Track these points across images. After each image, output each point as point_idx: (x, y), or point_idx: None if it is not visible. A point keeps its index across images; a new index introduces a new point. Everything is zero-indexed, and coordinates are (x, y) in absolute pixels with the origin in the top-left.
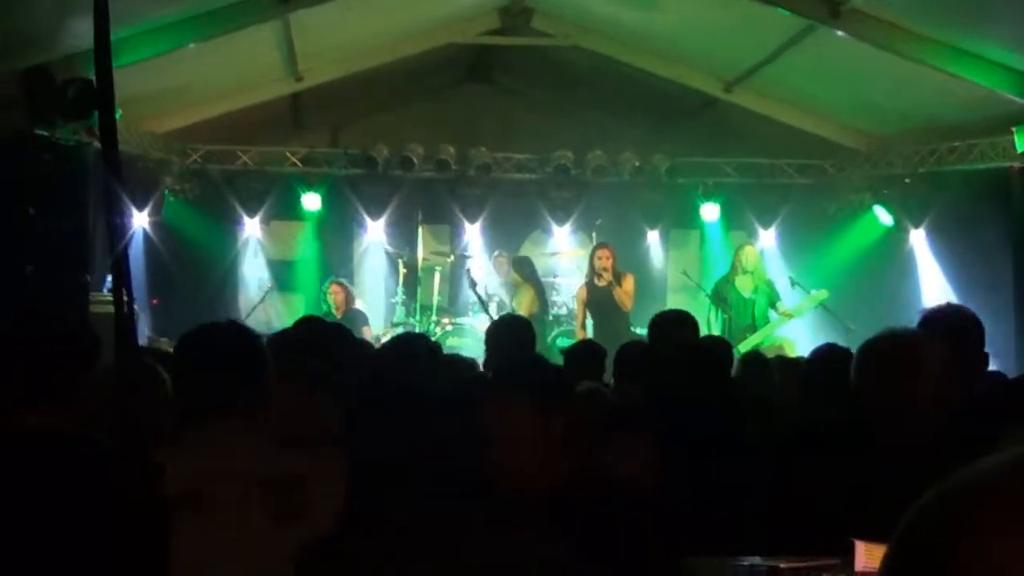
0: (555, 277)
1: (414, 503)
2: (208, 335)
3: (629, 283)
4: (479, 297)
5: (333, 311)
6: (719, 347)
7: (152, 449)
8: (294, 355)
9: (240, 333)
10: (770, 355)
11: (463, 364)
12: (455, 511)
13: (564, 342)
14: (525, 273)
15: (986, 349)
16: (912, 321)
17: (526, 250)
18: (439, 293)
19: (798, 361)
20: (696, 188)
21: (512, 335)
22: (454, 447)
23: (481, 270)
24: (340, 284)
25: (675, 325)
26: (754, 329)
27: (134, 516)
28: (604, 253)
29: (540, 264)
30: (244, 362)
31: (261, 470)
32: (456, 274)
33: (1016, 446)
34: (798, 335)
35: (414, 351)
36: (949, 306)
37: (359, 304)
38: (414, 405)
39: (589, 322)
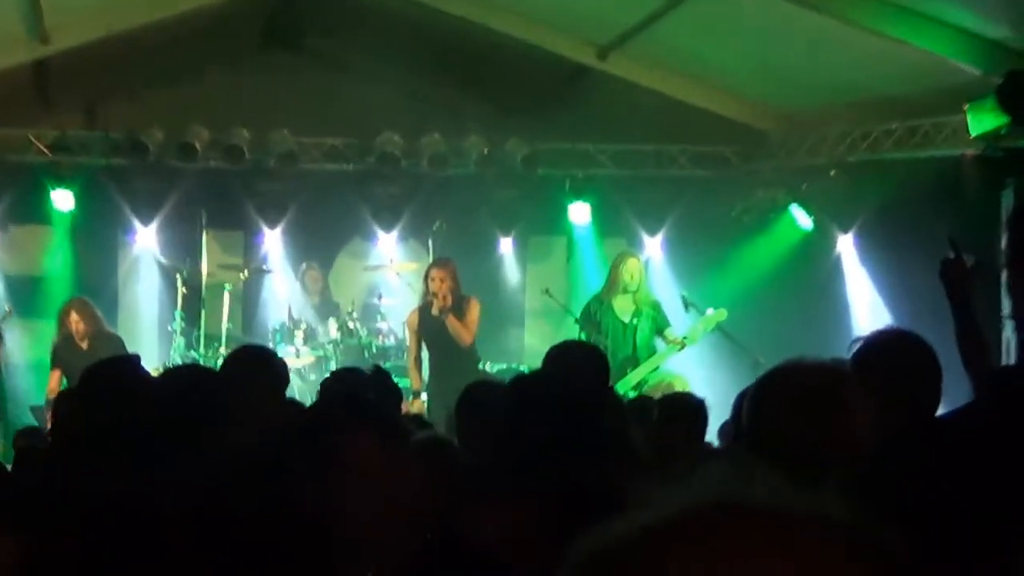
0: (379, 298)
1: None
2: None
3: (473, 311)
4: None
5: (77, 341)
6: (588, 381)
7: None
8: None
9: None
10: (657, 394)
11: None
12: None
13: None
14: None
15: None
16: (838, 351)
17: (343, 262)
18: (229, 319)
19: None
20: (562, 183)
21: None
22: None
23: (284, 288)
24: (80, 303)
25: (562, 362)
26: (636, 362)
27: None
28: (438, 274)
29: (361, 281)
30: None
31: None
32: (251, 293)
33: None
34: (692, 370)
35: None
36: (891, 333)
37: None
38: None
39: (426, 355)
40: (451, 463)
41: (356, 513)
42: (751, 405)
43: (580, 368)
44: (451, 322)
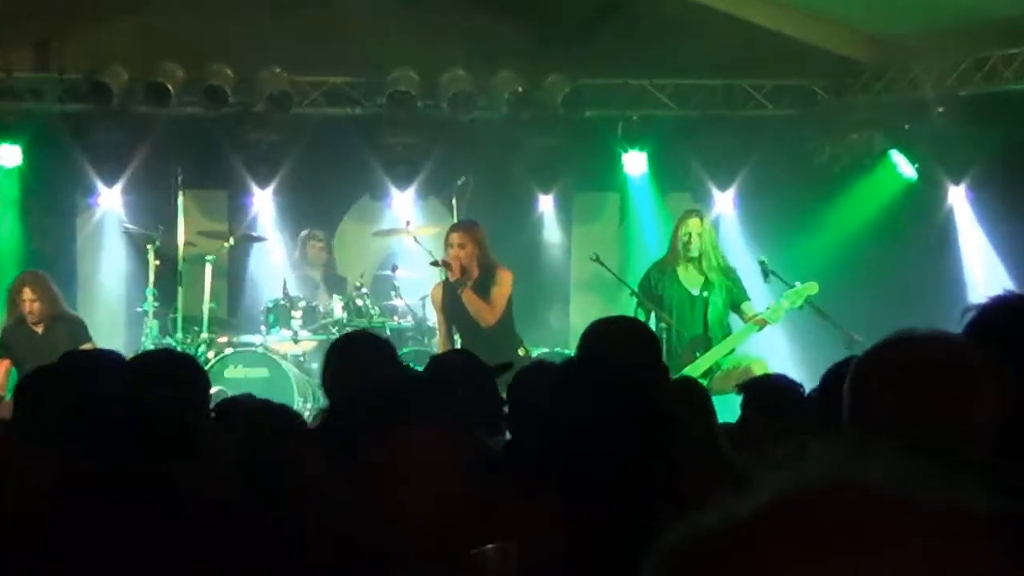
0: (393, 270)
1: None
2: None
3: (502, 284)
4: None
5: (30, 324)
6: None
7: None
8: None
9: None
10: (732, 381)
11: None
12: None
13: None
14: None
15: None
16: (950, 326)
17: (349, 227)
18: (212, 297)
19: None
20: (613, 127)
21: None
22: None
23: (278, 259)
24: (34, 278)
25: (610, 342)
26: (708, 343)
27: None
28: (457, 238)
29: (371, 249)
30: None
31: None
32: (237, 266)
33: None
34: (775, 351)
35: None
36: (1011, 299)
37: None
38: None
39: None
40: (482, 456)
41: (407, 517)
42: (854, 384)
43: (621, 348)
44: (467, 296)
